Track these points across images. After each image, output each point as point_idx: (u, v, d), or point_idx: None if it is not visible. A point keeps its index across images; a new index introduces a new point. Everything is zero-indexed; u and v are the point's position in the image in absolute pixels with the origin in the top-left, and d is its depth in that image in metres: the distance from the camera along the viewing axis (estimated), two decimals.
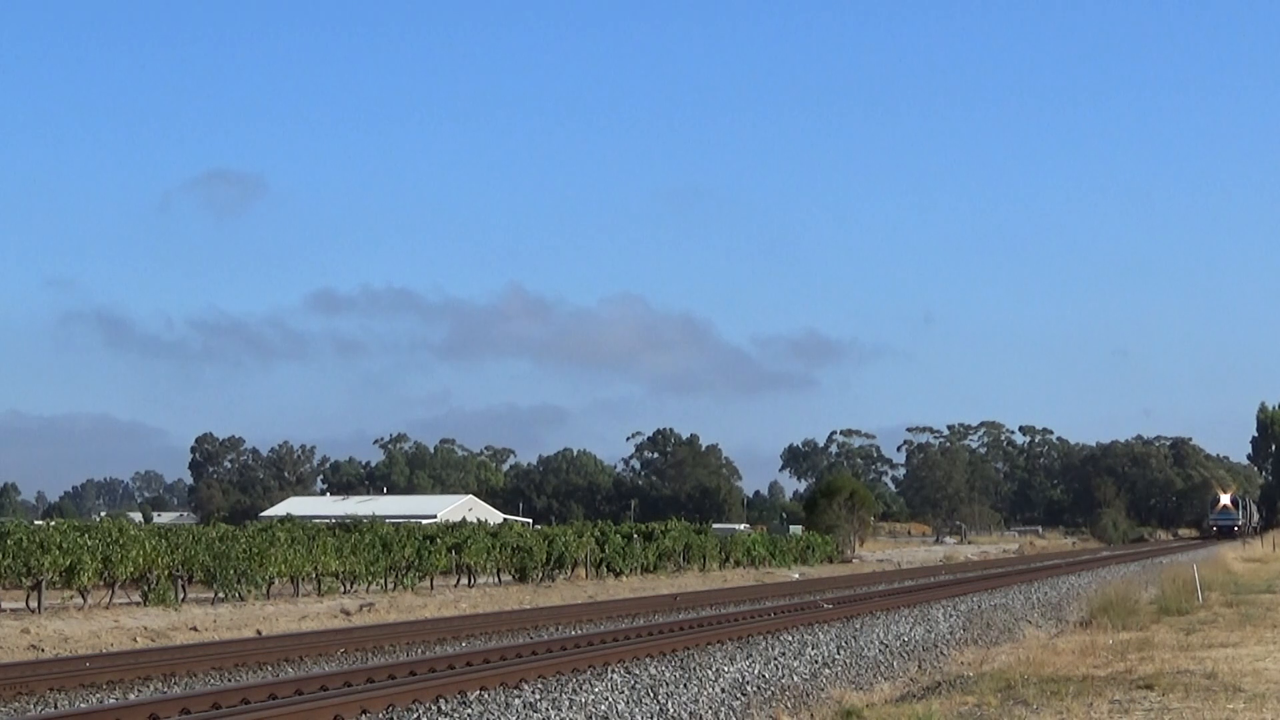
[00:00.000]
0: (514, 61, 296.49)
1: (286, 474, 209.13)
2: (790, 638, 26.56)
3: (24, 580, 35.54)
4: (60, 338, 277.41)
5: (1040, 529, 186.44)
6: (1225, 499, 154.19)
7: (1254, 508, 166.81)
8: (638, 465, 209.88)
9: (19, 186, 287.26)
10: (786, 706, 20.80)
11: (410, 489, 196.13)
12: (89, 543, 36.37)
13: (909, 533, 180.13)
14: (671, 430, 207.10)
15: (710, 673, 21.52)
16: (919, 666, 26.54)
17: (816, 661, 24.41)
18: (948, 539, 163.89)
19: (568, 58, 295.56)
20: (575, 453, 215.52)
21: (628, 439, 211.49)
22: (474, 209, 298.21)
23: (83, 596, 36.90)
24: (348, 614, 38.53)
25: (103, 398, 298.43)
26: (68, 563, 35.69)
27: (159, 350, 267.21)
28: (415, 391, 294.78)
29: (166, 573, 38.99)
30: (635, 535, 64.50)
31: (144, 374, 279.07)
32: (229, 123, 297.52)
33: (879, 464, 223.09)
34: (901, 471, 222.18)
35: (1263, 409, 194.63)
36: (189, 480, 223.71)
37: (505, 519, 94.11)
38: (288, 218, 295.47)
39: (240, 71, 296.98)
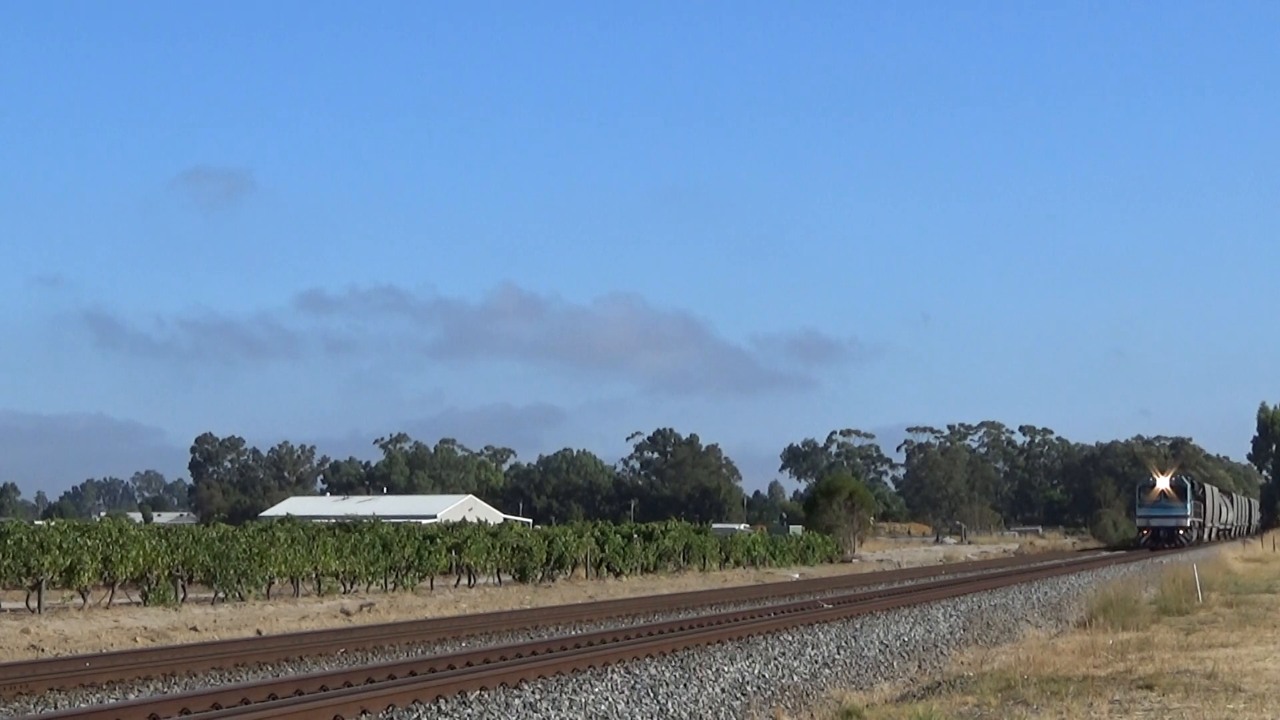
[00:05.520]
0: (505, 57, 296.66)
1: (286, 474, 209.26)
2: (790, 638, 26.54)
3: (24, 580, 35.53)
4: (50, 337, 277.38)
5: (1040, 529, 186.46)
6: (1163, 483, 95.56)
7: (1224, 500, 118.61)
8: (637, 465, 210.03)
9: (4, 184, 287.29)
10: (786, 706, 20.80)
11: (410, 489, 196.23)
12: (89, 543, 36.36)
13: (909, 533, 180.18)
14: (671, 430, 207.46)
15: (710, 673, 21.51)
16: (919, 666, 26.53)
17: (816, 661, 24.40)
18: (948, 539, 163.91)
19: (560, 54, 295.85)
20: (575, 453, 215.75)
21: (628, 439, 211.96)
22: (465, 207, 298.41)
23: (83, 596, 36.90)
24: (348, 614, 38.52)
25: (97, 397, 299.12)
26: (68, 563, 35.68)
27: (149, 349, 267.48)
28: (409, 392, 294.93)
29: (166, 573, 38.98)
30: (635, 535, 64.46)
31: (136, 373, 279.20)
32: (215, 120, 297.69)
33: (879, 464, 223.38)
34: (901, 471, 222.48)
35: (1263, 409, 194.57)
36: (189, 480, 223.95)
37: (505, 519, 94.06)
38: (275, 215, 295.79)
39: (227, 68, 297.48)
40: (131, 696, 20.46)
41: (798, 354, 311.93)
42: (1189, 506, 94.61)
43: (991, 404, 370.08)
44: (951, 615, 33.70)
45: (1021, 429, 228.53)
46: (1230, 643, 27.25)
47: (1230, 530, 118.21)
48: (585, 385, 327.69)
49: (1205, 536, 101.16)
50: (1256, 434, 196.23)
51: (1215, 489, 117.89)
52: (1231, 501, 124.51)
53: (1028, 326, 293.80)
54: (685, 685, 20.40)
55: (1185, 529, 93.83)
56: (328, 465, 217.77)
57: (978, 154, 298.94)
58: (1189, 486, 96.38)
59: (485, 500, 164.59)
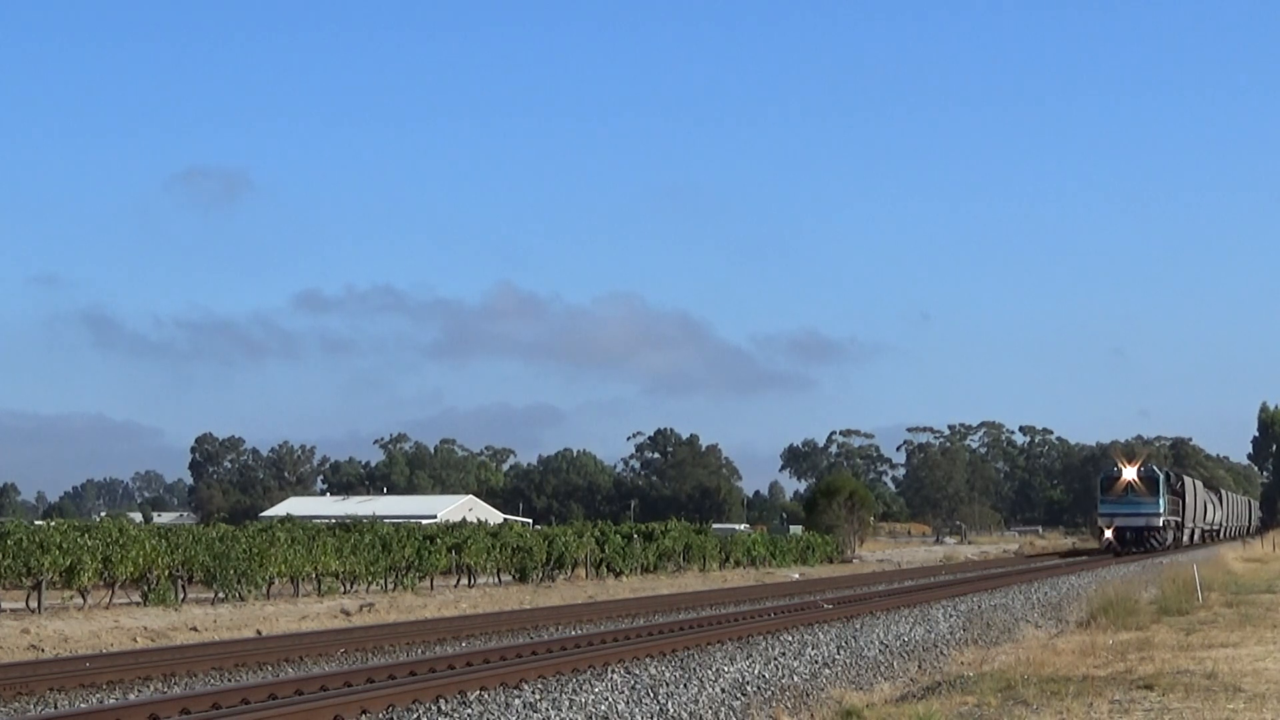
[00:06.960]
0: (504, 57, 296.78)
1: (286, 474, 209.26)
2: (790, 638, 26.55)
3: (24, 580, 35.54)
4: (48, 337, 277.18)
5: (1040, 529, 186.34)
6: (1130, 473, 79.20)
7: (1210, 497, 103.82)
8: (638, 465, 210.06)
9: (2, 184, 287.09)
10: (786, 706, 20.80)
11: (410, 489, 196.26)
12: (89, 543, 36.37)
13: (909, 533, 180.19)
14: (672, 430, 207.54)
15: (710, 673, 21.51)
16: (919, 666, 26.53)
17: (816, 661, 24.40)
18: (948, 539, 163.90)
19: (560, 54, 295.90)
20: (575, 453, 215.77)
21: (628, 439, 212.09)
22: (463, 206, 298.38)
23: (83, 596, 36.90)
24: (348, 614, 38.53)
25: (96, 397, 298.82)
26: (68, 563, 35.69)
27: (147, 349, 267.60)
28: (407, 392, 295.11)
29: (166, 573, 38.99)
30: (635, 535, 64.48)
31: (135, 373, 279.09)
32: (212, 119, 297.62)
33: (879, 464, 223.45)
34: (901, 471, 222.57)
35: (1263, 409, 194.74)
36: (189, 480, 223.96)
37: (505, 519, 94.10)
38: (273, 215, 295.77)
39: (225, 68, 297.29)
40: (131, 696, 20.46)
41: (798, 354, 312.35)
42: (1162, 503, 78.87)
43: (991, 404, 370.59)
44: (951, 615, 33.71)
45: (1021, 429, 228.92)
46: (1230, 643, 27.25)
47: (1219, 532, 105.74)
48: (585, 385, 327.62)
49: (1185, 538, 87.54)
50: (1256, 434, 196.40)
51: (1199, 484, 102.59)
52: (1220, 499, 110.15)
53: (1028, 326, 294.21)
54: (685, 685, 20.40)
55: (1158, 529, 78.85)
56: (328, 465, 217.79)
57: (978, 154, 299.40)
58: (1163, 479, 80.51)
59: (485, 500, 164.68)
